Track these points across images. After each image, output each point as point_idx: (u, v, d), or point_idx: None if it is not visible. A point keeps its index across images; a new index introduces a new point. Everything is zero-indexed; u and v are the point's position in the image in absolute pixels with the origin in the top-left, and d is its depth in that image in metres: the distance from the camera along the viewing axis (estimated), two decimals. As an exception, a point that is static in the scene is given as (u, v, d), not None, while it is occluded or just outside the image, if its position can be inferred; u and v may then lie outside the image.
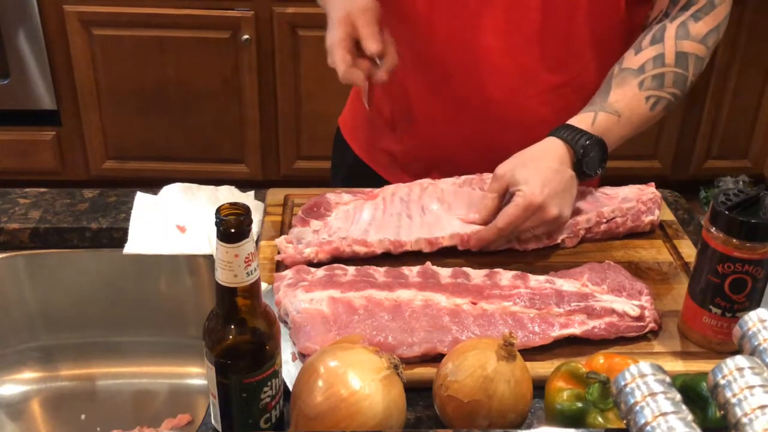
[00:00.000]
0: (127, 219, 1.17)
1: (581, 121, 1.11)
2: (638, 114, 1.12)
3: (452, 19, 1.18)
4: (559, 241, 1.11)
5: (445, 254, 1.09)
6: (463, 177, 1.18)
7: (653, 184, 1.19)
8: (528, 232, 1.08)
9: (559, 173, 1.06)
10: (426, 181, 1.18)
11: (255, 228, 1.08)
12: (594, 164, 1.09)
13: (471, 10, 1.16)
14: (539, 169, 1.06)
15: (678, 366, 0.91)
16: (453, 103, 1.23)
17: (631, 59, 1.14)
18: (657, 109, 1.13)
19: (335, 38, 1.11)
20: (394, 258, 1.08)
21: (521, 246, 1.10)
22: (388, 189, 1.18)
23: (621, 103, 1.11)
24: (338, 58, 1.10)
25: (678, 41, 1.13)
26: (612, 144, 1.11)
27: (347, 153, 1.40)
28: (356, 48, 1.11)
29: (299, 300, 0.94)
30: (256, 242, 1.09)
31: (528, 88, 1.21)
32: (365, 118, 1.36)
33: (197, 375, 1.20)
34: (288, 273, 1.00)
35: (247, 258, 0.71)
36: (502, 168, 1.08)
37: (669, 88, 1.12)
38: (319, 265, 1.04)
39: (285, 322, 0.94)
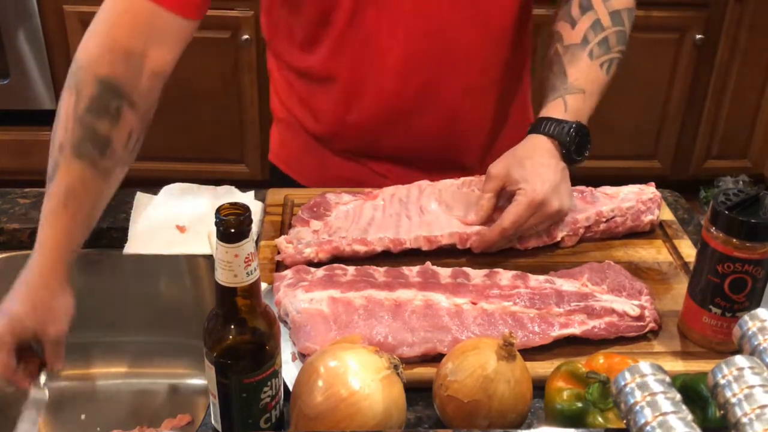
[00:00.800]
0: (127, 219, 1.17)
1: (554, 110, 1.13)
2: (598, 84, 1.15)
3: (364, 70, 1.18)
4: (558, 238, 1.11)
5: (445, 254, 1.09)
6: (462, 179, 1.18)
7: (653, 183, 1.20)
8: (530, 230, 1.09)
9: (552, 167, 1.08)
10: (424, 183, 1.18)
11: (254, 228, 1.08)
12: (581, 150, 1.12)
13: (407, 56, 1.16)
14: (534, 166, 1.07)
15: (678, 366, 0.91)
16: (406, 133, 1.23)
17: (571, 34, 1.17)
18: (611, 70, 1.17)
19: (4, 332, 0.93)
20: (394, 258, 1.08)
21: (522, 245, 1.10)
22: (387, 190, 1.18)
23: (581, 80, 1.14)
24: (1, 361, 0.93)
25: (606, 2, 1.16)
26: (585, 120, 1.13)
27: (293, 187, 1.33)
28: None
29: (299, 300, 0.94)
30: (256, 242, 1.09)
31: (480, 101, 1.24)
32: (310, 151, 1.31)
33: (197, 375, 1.20)
34: (288, 273, 1.00)
35: (247, 258, 0.71)
36: (496, 168, 1.09)
37: (615, 47, 1.16)
38: (319, 264, 1.04)
39: (285, 322, 0.94)
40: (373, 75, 1.17)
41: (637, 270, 1.08)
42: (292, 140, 1.34)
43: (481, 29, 1.17)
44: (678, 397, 0.60)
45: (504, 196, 1.10)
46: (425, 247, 1.08)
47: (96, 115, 0.99)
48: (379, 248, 1.07)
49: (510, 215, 1.05)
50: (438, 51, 1.17)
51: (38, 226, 0.98)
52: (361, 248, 1.06)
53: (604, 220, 1.13)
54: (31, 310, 0.96)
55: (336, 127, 1.24)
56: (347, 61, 1.17)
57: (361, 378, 0.74)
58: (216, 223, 0.70)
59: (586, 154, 1.13)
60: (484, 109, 1.26)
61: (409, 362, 0.88)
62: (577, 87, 1.13)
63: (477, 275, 1.01)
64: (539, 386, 0.82)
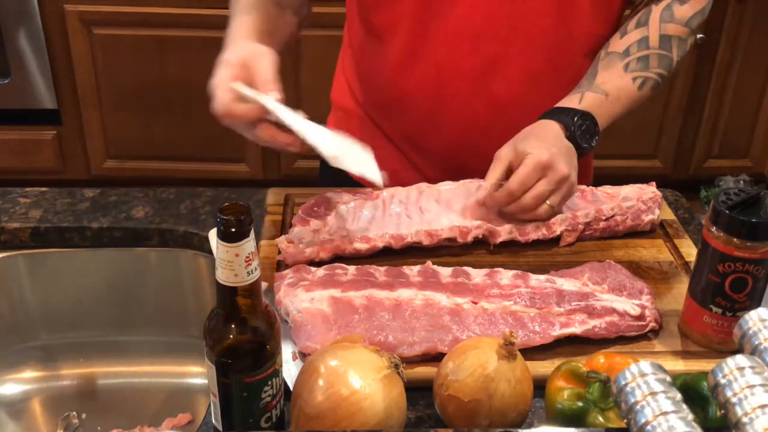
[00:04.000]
0: (127, 218, 1.17)
1: (569, 101, 1.13)
2: (626, 93, 1.14)
3: (450, 41, 1.17)
4: (557, 232, 1.11)
5: (446, 253, 1.09)
6: (461, 181, 1.18)
7: (654, 183, 1.20)
8: (542, 198, 1.07)
9: (559, 140, 1.08)
10: (423, 185, 1.18)
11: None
12: (587, 137, 1.11)
13: (474, 26, 1.16)
14: (540, 138, 1.07)
15: (679, 365, 0.91)
16: (461, 115, 1.23)
17: (617, 43, 1.16)
18: (645, 88, 1.15)
19: (225, 78, 1.06)
20: (394, 257, 1.08)
21: (522, 236, 1.10)
22: (387, 191, 1.17)
23: (608, 84, 1.14)
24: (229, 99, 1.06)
25: (662, 24, 1.15)
26: (602, 121, 1.13)
27: (341, 176, 1.33)
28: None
29: (300, 299, 0.94)
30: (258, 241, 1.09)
31: (535, 91, 1.21)
32: (363, 139, 1.33)
33: (198, 374, 1.20)
34: (288, 272, 1.00)
35: (247, 257, 0.71)
36: (502, 150, 1.09)
37: (654, 69, 1.15)
38: (320, 264, 1.04)
39: (285, 322, 0.94)
40: (432, 37, 1.17)
41: (637, 269, 1.08)
42: (347, 128, 1.35)
43: (555, 15, 1.16)
44: (679, 396, 0.60)
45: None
46: (426, 242, 1.08)
47: None
48: (380, 244, 1.07)
49: (518, 176, 1.05)
50: (503, 26, 1.15)
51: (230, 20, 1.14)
52: (362, 246, 1.07)
53: (603, 218, 1.13)
54: (240, 52, 1.10)
55: (390, 92, 1.24)
56: (411, 15, 1.17)
57: (362, 377, 0.74)
58: (217, 223, 0.70)
59: (594, 144, 1.12)
60: (541, 100, 1.22)
61: (410, 361, 0.88)
62: (601, 89, 1.13)
63: (477, 275, 1.01)
64: (540, 386, 0.82)
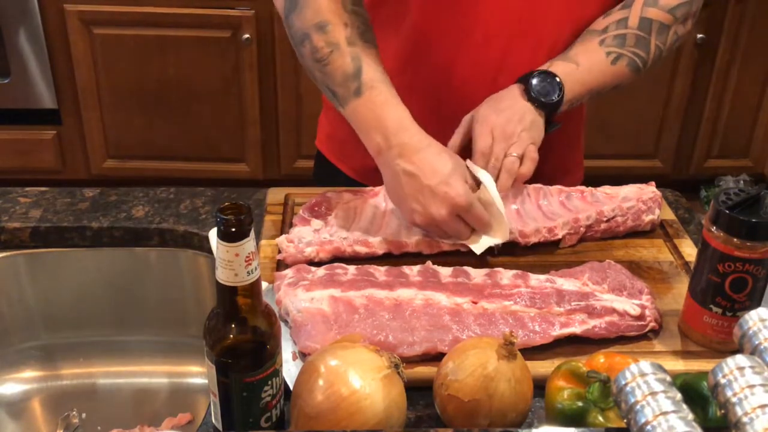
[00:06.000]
0: (127, 218, 1.17)
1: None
2: (598, 65, 1.16)
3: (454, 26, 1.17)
4: (559, 236, 1.11)
5: (446, 253, 1.09)
6: None
7: (654, 183, 1.19)
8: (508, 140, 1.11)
9: (504, 94, 1.13)
10: None
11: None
12: (544, 90, 1.12)
13: (485, 23, 1.16)
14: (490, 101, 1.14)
15: (678, 365, 0.91)
16: (465, 113, 1.23)
17: (598, 22, 1.19)
18: (619, 64, 1.16)
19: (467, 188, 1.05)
20: (394, 257, 1.08)
21: (523, 239, 1.10)
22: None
23: (579, 55, 1.16)
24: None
25: (644, 8, 1.17)
26: (573, 86, 1.14)
27: (337, 176, 1.35)
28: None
29: (300, 299, 0.94)
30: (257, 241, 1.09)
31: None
32: (355, 139, 1.33)
33: (198, 374, 1.20)
34: (289, 272, 1.00)
35: (247, 257, 0.71)
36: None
37: (630, 47, 1.16)
38: (319, 264, 1.04)
39: (285, 321, 0.94)
40: (440, 33, 1.17)
41: (637, 269, 1.08)
42: (340, 127, 1.34)
43: (565, 12, 1.18)
44: (679, 396, 0.60)
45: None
46: (426, 251, 1.08)
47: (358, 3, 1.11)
48: (380, 251, 1.07)
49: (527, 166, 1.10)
50: (513, 23, 1.16)
51: (371, 109, 1.08)
52: (362, 249, 1.07)
53: (604, 219, 1.13)
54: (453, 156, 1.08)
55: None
56: (416, 11, 1.17)
57: (362, 377, 0.74)
58: (217, 223, 0.70)
59: (554, 99, 1.12)
60: None
61: (410, 361, 0.88)
62: (573, 60, 1.15)
63: (477, 274, 1.01)
64: (540, 385, 0.82)
